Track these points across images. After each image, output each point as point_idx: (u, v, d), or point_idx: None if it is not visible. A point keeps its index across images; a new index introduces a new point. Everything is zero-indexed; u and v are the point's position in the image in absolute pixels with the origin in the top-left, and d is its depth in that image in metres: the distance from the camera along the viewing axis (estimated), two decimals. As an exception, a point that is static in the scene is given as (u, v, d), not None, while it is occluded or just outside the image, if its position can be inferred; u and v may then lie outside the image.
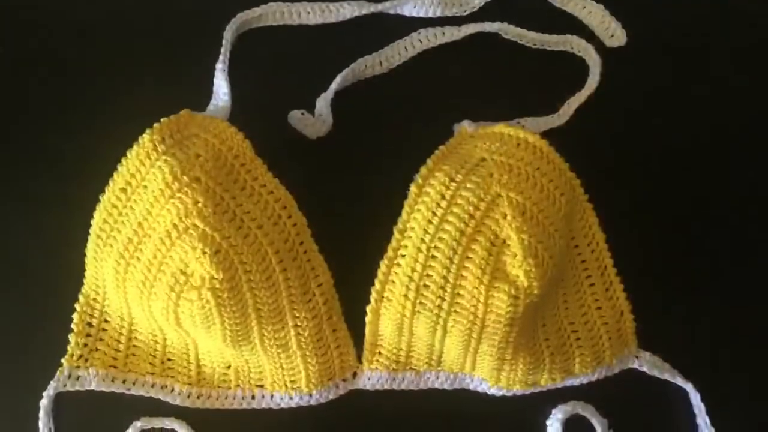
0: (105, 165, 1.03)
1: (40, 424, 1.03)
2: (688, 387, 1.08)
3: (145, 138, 1.00)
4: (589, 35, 1.21)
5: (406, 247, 1.01)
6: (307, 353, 1.04)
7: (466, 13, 1.22)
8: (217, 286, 0.96)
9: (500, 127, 1.07)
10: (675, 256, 1.14)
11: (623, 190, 1.15)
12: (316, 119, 1.14)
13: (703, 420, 1.08)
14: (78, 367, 1.05)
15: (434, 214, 0.99)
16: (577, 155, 1.07)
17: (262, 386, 1.07)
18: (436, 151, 1.05)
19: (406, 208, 1.02)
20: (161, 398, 1.05)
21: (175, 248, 0.96)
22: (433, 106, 1.16)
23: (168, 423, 1.05)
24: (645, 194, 1.15)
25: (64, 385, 1.04)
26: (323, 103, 1.14)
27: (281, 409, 1.07)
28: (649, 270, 1.12)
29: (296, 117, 1.13)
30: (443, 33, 1.20)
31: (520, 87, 1.19)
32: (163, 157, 0.98)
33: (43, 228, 1.10)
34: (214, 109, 1.11)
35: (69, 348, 1.05)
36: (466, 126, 1.09)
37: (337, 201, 1.11)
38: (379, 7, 1.20)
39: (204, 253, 0.95)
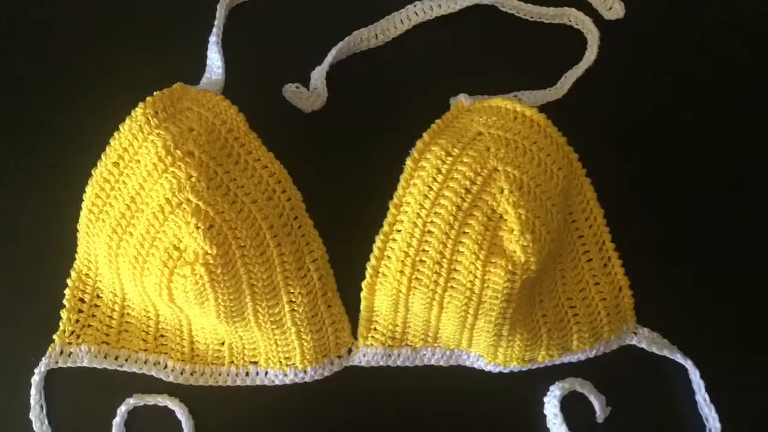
0: (97, 139, 1.02)
1: (32, 401, 1.02)
2: (688, 364, 1.07)
3: (138, 111, 0.99)
4: (587, 8, 1.20)
5: (401, 222, 1.00)
6: (302, 329, 1.03)
7: (462, -15, 1.20)
8: (211, 261, 0.95)
9: (497, 101, 1.06)
10: (674, 231, 1.13)
11: (622, 164, 1.14)
12: (310, 93, 1.12)
13: (702, 397, 1.07)
14: (70, 343, 1.04)
15: (430, 188, 0.98)
16: (575, 129, 1.06)
17: (256, 363, 1.06)
18: (433, 125, 1.04)
19: (401, 183, 1.01)
20: (154, 375, 1.05)
21: (168, 223, 0.95)
22: (430, 80, 1.15)
23: (161, 400, 1.04)
24: (644, 168, 1.14)
25: (56, 362, 1.03)
26: (318, 76, 1.12)
27: (275, 386, 1.06)
28: (649, 246, 1.12)
29: (291, 90, 1.12)
30: (439, 5, 1.18)
31: (518, 60, 1.17)
32: (156, 131, 0.97)
33: (35, 203, 1.09)
34: (208, 82, 1.10)
35: (61, 324, 1.04)
36: (462, 100, 1.08)
37: (332, 175, 1.10)
38: (374, -21, 1.19)
39: (197, 228, 0.94)
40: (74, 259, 1.05)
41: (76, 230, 1.04)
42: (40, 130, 1.12)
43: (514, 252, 0.96)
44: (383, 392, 1.07)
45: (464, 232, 0.97)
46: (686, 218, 1.13)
